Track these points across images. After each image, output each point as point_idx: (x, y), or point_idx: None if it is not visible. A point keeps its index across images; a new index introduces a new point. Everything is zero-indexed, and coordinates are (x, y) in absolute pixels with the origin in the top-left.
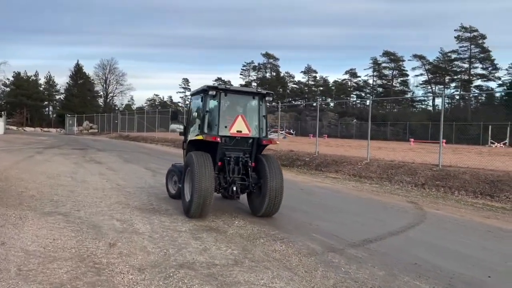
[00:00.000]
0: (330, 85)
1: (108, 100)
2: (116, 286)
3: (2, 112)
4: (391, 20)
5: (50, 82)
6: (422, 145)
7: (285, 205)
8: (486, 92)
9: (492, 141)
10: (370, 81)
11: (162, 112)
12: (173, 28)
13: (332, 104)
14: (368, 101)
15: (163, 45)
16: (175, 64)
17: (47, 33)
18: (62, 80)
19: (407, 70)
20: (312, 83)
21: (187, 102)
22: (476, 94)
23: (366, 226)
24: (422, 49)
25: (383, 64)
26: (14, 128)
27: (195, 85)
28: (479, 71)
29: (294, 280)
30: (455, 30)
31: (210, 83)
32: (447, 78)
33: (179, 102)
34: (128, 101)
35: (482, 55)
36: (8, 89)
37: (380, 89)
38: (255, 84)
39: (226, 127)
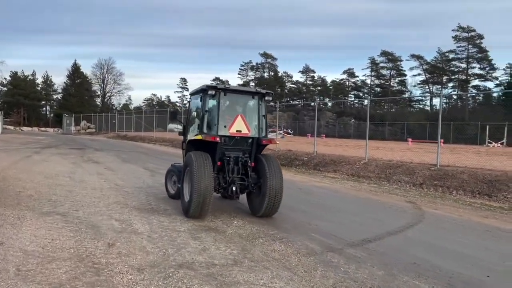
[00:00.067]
0: (328, 85)
1: (106, 99)
2: (115, 286)
3: (0, 112)
4: (389, 20)
5: (47, 82)
6: (420, 145)
7: (284, 204)
8: (483, 92)
9: (489, 141)
10: (368, 81)
11: (160, 112)
12: (171, 28)
13: (330, 104)
14: (366, 101)
15: (161, 45)
16: (173, 64)
17: (45, 33)
18: (59, 80)
19: (405, 70)
20: (310, 83)
21: (185, 102)
22: (474, 94)
23: (364, 225)
24: (420, 49)
25: (381, 64)
26: (12, 127)
27: (193, 85)
28: (477, 71)
29: (293, 280)
30: (452, 30)
31: (208, 82)
32: (444, 78)
33: (176, 101)
34: (126, 100)
35: (479, 55)
36: (5, 88)
37: (378, 89)
38: (253, 84)
39: (225, 126)
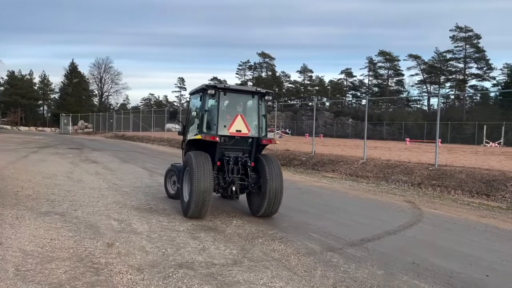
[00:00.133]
0: (326, 85)
1: (103, 99)
2: (115, 286)
3: None
4: (386, 20)
5: (44, 81)
6: (418, 145)
7: (283, 204)
8: (481, 92)
9: (487, 140)
10: (366, 81)
11: (157, 111)
12: (168, 27)
13: (327, 104)
14: (364, 101)
15: (159, 44)
16: (171, 63)
17: (41, 32)
18: (56, 79)
19: (402, 70)
20: (308, 82)
21: (182, 101)
22: (471, 94)
23: (363, 225)
24: (418, 49)
25: (379, 64)
26: (9, 127)
27: (190, 84)
28: (474, 71)
29: (293, 279)
30: (450, 30)
31: (206, 82)
32: (442, 78)
33: (174, 101)
34: (124, 100)
35: (477, 55)
36: (2, 88)
37: (376, 89)
38: (251, 83)
39: (225, 126)
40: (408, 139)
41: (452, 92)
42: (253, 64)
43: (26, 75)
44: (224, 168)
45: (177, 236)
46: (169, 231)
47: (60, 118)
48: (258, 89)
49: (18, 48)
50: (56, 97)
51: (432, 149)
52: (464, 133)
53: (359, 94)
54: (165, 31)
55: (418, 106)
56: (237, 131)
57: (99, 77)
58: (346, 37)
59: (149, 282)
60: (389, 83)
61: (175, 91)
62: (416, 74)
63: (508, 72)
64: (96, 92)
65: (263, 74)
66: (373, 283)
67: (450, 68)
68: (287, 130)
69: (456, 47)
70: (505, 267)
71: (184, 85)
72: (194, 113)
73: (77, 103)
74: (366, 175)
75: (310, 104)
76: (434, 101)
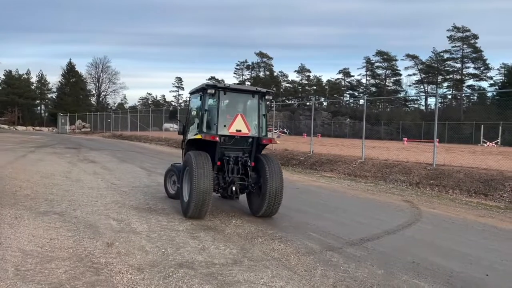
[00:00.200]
0: (324, 85)
1: (101, 99)
2: (115, 286)
3: None
4: (384, 20)
5: (42, 81)
6: (415, 144)
7: (282, 204)
8: (478, 92)
9: (484, 140)
10: (363, 81)
11: (155, 111)
12: (166, 27)
13: (325, 104)
14: (361, 101)
15: (156, 44)
16: (169, 63)
17: (39, 31)
18: (54, 79)
19: (400, 70)
20: (306, 82)
21: (180, 101)
22: (468, 94)
23: (363, 224)
24: (415, 49)
25: (376, 64)
26: (6, 127)
27: (188, 84)
28: (471, 70)
29: (293, 279)
30: (447, 30)
31: (204, 81)
32: (439, 78)
33: (172, 101)
34: (121, 100)
35: (474, 55)
36: None
37: (373, 89)
38: (249, 83)
39: (225, 126)
40: (405, 138)
41: (450, 92)
42: (251, 63)
43: (23, 74)
44: (224, 168)
45: (177, 235)
46: (169, 231)
47: (58, 118)
48: (259, 88)
49: (15, 47)
50: (54, 97)
51: (429, 149)
52: (461, 132)
53: (356, 94)
54: (164, 31)
55: (416, 106)
56: (237, 130)
57: (96, 76)
58: (344, 37)
59: (150, 281)
60: (386, 83)
61: (173, 91)
62: (414, 74)
63: (505, 72)
64: (94, 92)
65: (261, 74)
66: (373, 283)
67: (448, 68)
68: (285, 130)
69: (453, 47)
70: (505, 267)
71: (182, 84)
72: (194, 113)
73: (75, 103)
74: (364, 175)
75: (308, 103)
76: (431, 101)
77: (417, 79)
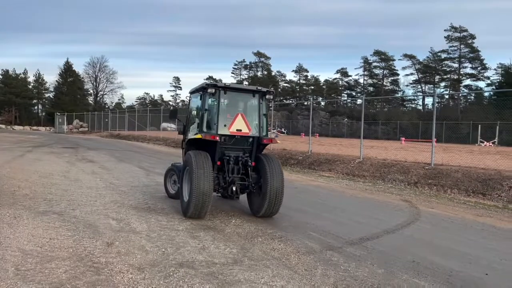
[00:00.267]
0: (321, 84)
1: (98, 98)
2: (116, 285)
3: None
4: (382, 19)
5: (39, 80)
6: (413, 144)
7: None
8: (475, 92)
9: (481, 140)
10: (361, 80)
11: (153, 110)
12: (164, 26)
13: (323, 103)
14: (359, 100)
15: (154, 44)
16: (166, 63)
17: (36, 31)
18: (51, 79)
19: (397, 70)
20: (304, 82)
21: (178, 101)
22: (466, 94)
23: (362, 224)
24: (413, 49)
25: (374, 64)
26: (3, 126)
27: (186, 84)
28: (469, 70)
29: (294, 278)
30: (445, 30)
31: (202, 81)
32: (437, 78)
33: (169, 100)
34: (119, 99)
35: (471, 55)
36: None
37: (371, 88)
38: (247, 83)
39: (225, 125)
40: (403, 138)
41: (447, 92)
42: (248, 63)
43: (20, 74)
44: (224, 168)
45: (177, 235)
46: (168, 230)
47: (55, 117)
48: (259, 87)
49: (12, 47)
50: (51, 96)
51: (427, 149)
52: (459, 132)
53: (354, 93)
54: (163, 31)
55: (413, 105)
56: (237, 130)
57: (94, 76)
58: (341, 37)
59: (150, 281)
60: (384, 83)
61: (171, 90)
62: (411, 74)
63: (502, 72)
64: (91, 91)
65: (259, 74)
66: (373, 282)
67: (445, 68)
68: (283, 130)
69: (450, 47)
70: (504, 266)
71: (180, 84)
72: (194, 112)
73: (72, 102)
74: (363, 174)
75: (305, 103)
76: (428, 100)
77: (414, 79)
